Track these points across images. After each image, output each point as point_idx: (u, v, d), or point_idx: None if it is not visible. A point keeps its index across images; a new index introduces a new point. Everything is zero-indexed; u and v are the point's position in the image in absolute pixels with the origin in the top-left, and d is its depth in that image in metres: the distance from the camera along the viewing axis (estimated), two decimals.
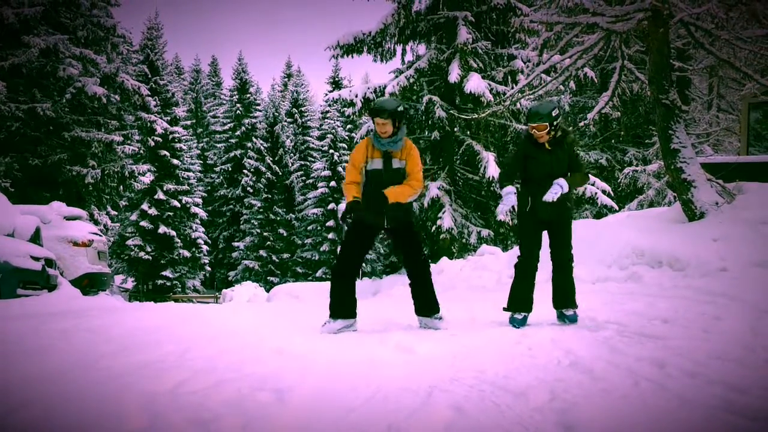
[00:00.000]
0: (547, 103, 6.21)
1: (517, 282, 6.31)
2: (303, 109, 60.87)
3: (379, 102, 6.19)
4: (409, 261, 6.29)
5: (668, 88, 10.66)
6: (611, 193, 20.96)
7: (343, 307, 6.09)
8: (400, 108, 6.07)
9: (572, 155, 6.31)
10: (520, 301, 6.25)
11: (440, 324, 6.16)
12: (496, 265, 12.99)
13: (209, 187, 57.14)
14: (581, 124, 15.47)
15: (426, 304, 6.25)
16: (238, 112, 60.16)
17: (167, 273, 42.25)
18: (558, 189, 6.04)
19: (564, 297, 6.24)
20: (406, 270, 6.35)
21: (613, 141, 26.94)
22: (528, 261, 6.30)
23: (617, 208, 20.06)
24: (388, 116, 6.01)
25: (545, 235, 6.38)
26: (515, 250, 12.84)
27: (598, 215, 20.46)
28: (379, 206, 5.98)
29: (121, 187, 26.28)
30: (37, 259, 10.23)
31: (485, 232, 19.32)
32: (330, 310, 6.11)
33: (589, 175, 6.39)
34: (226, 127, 60.61)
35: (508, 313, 6.29)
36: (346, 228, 6.29)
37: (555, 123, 6.11)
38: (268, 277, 47.05)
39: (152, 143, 40.56)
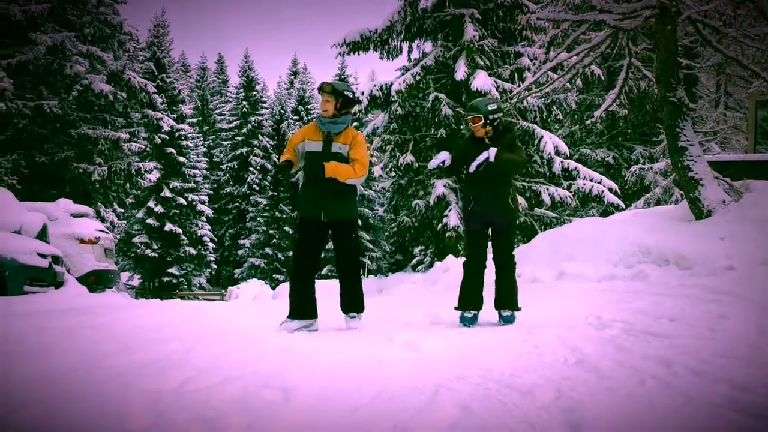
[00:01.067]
0: (487, 99, 6.37)
1: (466, 281, 6.37)
2: (309, 106, 60.79)
3: (328, 81, 6.16)
4: (344, 257, 6.19)
5: (675, 86, 10.63)
6: (618, 191, 20.91)
7: (300, 307, 6.03)
8: (348, 93, 6.06)
9: (513, 146, 6.37)
10: (469, 299, 6.32)
11: (353, 323, 6.14)
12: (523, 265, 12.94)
13: (215, 185, 57.19)
14: (588, 122, 15.46)
15: (351, 302, 6.19)
16: (244, 109, 60.19)
17: (173, 270, 42.33)
18: (485, 156, 6.10)
19: (503, 298, 6.30)
20: (339, 266, 6.24)
21: (620, 139, 26.90)
22: (475, 260, 6.36)
23: (624, 206, 20.02)
24: (332, 93, 6.01)
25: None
26: (522, 248, 12.81)
27: (605, 213, 20.42)
28: (316, 172, 5.89)
29: (128, 184, 26.35)
30: (44, 256, 10.26)
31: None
32: (289, 310, 6.05)
33: (525, 164, 6.40)
34: (233, 125, 60.67)
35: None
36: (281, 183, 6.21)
37: (490, 117, 6.24)
38: (274, 275, 47.08)
39: (159, 141, 40.64)
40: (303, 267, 6.07)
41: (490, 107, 6.22)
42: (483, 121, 6.22)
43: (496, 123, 6.31)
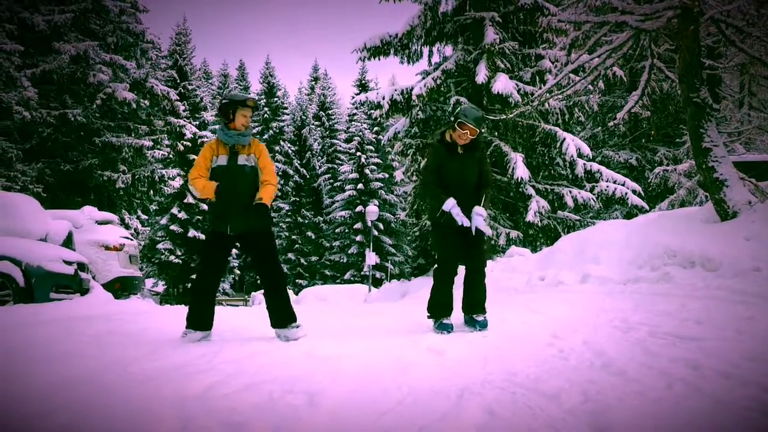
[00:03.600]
0: (475, 109, 6.23)
1: (438, 288, 6.30)
2: (330, 112, 61.09)
3: (238, 93, 6.10)
4: (266, 270, 6.07)
5: (699, 87, 10.55)
6: (642, 193, 20.77)
7: (201, 320, 5.92)
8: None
9: (483, 162, 6.30)
10: (443, 305, 6.26)
11: (299, 332, 5.97)
12: (525, 266, 12.90)
13: None
14: (610, 123, 15.37)
15: (283, 315, 6.03)
16: (265, 115, 60.51)
17: None
18: (481, 219, 6.08)
19: (475, 302, 6.23)
20: (263, 281, 6.11)
21: (643, 140, 26.74)
22: (446, 264, 6.30)
23: (648, 208, 19.88)
24: (254, 106, 6.04)
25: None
26: (545, 252, 12.76)
27: (629, 215, 20.29)
28: (258, 214, 5.82)
29: (151, 191, 26.55)
30: (69, 263, 10.35)
31: (514, 234, 19.21)
32: (189, 322, 5.91)
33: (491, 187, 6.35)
34: (254, 131, 60.95)
35: (432, 321, 6.32)
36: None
37: (480, 130, 6.23)
38: (297, 280, 47.26)
39: (181, 147, 40.81)
40: (208, 283, 6.02)
41: (479, 120, 6.17)
42: (477, 134, 6.17)
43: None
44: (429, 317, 6.34)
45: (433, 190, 6.18)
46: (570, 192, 19.54)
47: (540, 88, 16.67)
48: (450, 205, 6.03)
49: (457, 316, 6.35)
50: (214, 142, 6.05)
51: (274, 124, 59.12)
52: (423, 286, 15.13)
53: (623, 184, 20.07)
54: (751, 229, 9.42)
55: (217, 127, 6.06)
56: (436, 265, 6.42)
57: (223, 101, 6.02)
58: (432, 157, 6.29)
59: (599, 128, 25.81)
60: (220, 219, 5.89)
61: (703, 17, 10.39)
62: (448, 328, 6.13)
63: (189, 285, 42.18)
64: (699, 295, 7.26)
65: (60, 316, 7.51)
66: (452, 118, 6.26)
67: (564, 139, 19.01)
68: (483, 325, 6.12)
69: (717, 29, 11.25)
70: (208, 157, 5.95)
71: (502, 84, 17.66)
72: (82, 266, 10.85)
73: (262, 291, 6.17)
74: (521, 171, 18.02)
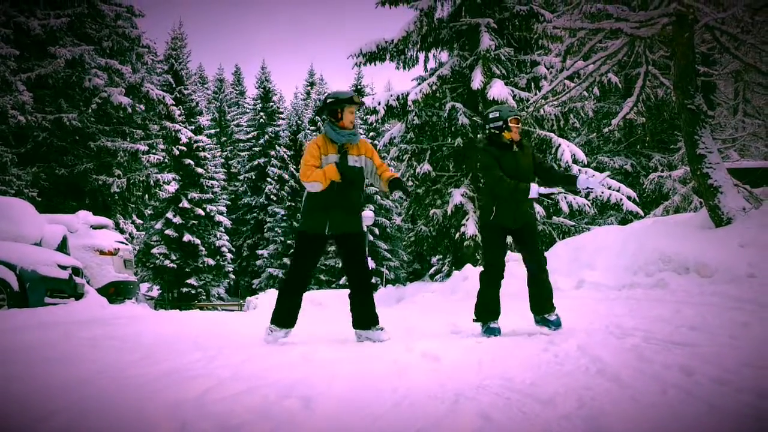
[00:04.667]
0: (507, 106, 6.33)
1: (485, 290, 6.33)
2: None
3: (341, 90, 6.18)
4: (356, 270, 6.11)
5: (693, 93, 10.59)
6: (636, 199, 20.81)
7: (288, 318, 6.04)
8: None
9: (535, 154, 6.40)
10: (491, 310, 6.28)
11: (383, 335, 6.01)
12: (520, 271, 12.89)
13: (233, 196, 57.45)
14: (605, 130, 15.40)
15: (368, 317, 6.09)
16: (261, 120, 60.49)
17: (192, 281, 42.49)
18: (594, 180, 6.17)
19: (545, 302, 6.23)
20: (351, 281, 6.14)
21: (637, 147, 26.81)
22: (494, 268, 6.33)
23: (643, 214, 19.92)
24: (360, 103, 6.08)
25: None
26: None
27: (624, 221, 20.34)
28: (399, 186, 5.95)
29: (146, 195, 26.51)
30: (64, 267, 10.34)
31: (509, 239, 19.23)
32: (275, 319, 6.03)
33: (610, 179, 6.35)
34: (250, 136, 61.00)
35: (479, 324, 6.31)
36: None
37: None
38: None
39: (177, 152, 40.86)
40: (300, 283, 6.08)
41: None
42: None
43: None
44: (475, 321, 6.33)
45: (509, 182, 6.08)
46: (565, 198, 19.59)
47: (535, 95, 16.72)
48: (534, 190, 6.05)
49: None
50: (321, 139, 6.05)
51: (269, 129, 59.11)
52: (418, 291, 15.16)
53: (618, 190, 20.11)
54: (745, 235, 9.46)
55: (321, 126, 6.08)
56: (482, 269, 6.41)
57: (329, 100, 6.06)
58: (486, 157, 6.24)
59: (594, 134, 25.83)
60: (318, 218, 5.92)
61: (698, 24, 10.44)
62: (495, 332, 6.15)
63: (183, 290, 42.17)
64: (694, 301, 7.28)
65: (55, 320, 7.51)
66: (490, 124, 6.29)
67: (559, 144, 19.05)
68: (557, 324, 6.11)
69: (712, 36, 11.29)
70: (316, 155, 5.94)
71: (498, 90, 17.69)
72: (76, 271, 10.84)
73: (348, 292, 6.20)
74: None
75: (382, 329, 6.06)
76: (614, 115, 22.12)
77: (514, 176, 6.12)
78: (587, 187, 6.14)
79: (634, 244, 10.65)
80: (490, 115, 6.29)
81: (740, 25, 10.76)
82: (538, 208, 18.96)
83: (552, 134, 19.42)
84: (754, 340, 4.73)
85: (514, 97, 18.12)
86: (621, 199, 19.86)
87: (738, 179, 11.10)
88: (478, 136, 18.34)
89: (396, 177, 6.01)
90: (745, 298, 6.90)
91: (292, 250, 6.21)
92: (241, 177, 58.77)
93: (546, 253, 11.67)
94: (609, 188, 19.95)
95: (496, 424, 2.99)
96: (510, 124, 6.17)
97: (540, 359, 4.57)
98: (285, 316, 6.03)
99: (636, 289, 9.30)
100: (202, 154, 45.06)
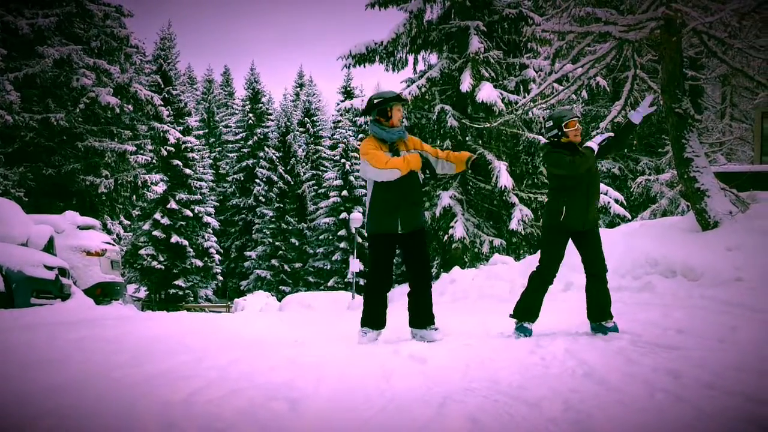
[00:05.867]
0: (565, 108, 6.28)
1: (532, 291, 6.23)
2: (315, 118, 61.10)
3: (384, 90, 6.22)
4: (419, 268, 6.16)
5: (681, 97, 10.62)
6: (624, 202, 20.91)
7: (378, 320, 6.15)
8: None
9: (600, 147, 6.22)
10: (531, 311, 6.21)
11: (437, 335, 6.03)
12: (508, 274, 12.94)
13: (221, 197, 57.37)
14: (594, 133, 15.43)
15: (425, 316, 6.14)
16: (250, 121, 60.42)
17: (180, 282, 42.41)
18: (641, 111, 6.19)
19: (601, 309, 6.11)
20: (413, 277, 6.18)
21: (625, 150, 26.90)
22: (548, 272, 6.21)
23: (630, 218, 20.00)
24: (406, 100, 6.14)
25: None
26: (528, 260, 12.79)
27: (611, 224, 20.39)
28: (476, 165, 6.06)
29: (134, 196, 26.44)
30: (50, 268, 10.28)
31: (497, 242, 19.29)
32: (366, 322, 6.13)
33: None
34: (239, 137, 60.92)
35: (514, 321, 6.27)
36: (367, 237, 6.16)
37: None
38: (280, 287, 47.17)
39: (165, 153, 40.62)
40: (383, 282, 6.15)
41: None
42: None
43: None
44: (511, 317, 6.28)
45: (578, 158, 5.95)
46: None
47: (524, 97, 16.74)
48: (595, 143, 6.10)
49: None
50: (371, 141, 6.03)
51: (258, 130, 59.04)
52: (406, 293, 15.14)
53: (606, 194, 20.19)
54: (732, 239, 9.50)
55: (369, 127, 6.09)
56: (534, 269, 6.33)
57: (376, 100, 6.06)
58: (553, 156, 6.11)
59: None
60: (388, 219, 5.97)
61: (686, 28, 10.48)
62: (526, 332, 6.12)
63: (171, 291, 42.06)
64: (681, 305, 7.31)
65: (41, 321, 7.45)
66: (546, 134, 6.25)
67: None
68: (615, 331, 5.98)
69: (699, 40, 11.33)
70: (378, 146, 5.95)
71: (487, 93, 17.74)
72: (63, 271, 10.78)
73: (408, 291, 6.25)
74: (505, 179, 18.08)
75: (436, 329, 6.10)
76: (602, 118, 22.16)
77: (585, 178, 6.03)
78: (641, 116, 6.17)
79: (622, 248, 10.67)
80: (546, 125, 6.24)
81: (728, 30, 10.80)
82: (526, 211, 18.99)
83: (541, 137, 19.46)
84: (742, 344, 4.74)
85: (503, 99, 18.17)
86: (609, 203, 19.93)
87: (725, 183, 11.14)
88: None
89: (464, 155, 6.14)
90: (732, 302, 6.92)
91: (369, 254, 6.25)
92: (230, 178, 58.70)
93: (532, 257, 11.65)
94: None
95: (483, 427, 2.99)
96: (566, 129, 6.08)
97: (527, 362, 4.57)
98: (375, 318, 6.14)
99: (623, 292, 9.32)
100: (190, 155, 44.99)
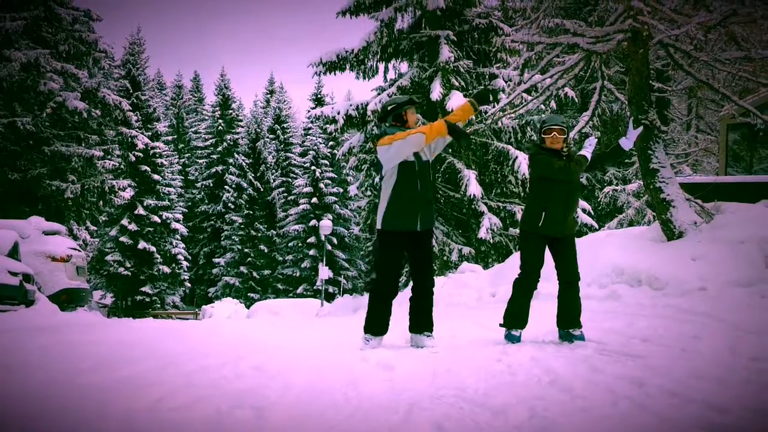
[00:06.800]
0: (558, 114, 6.28)
1: (517, 298, 6.25)
2: (285, 125, 60.93)
3: (396, 96, 6.20)
4: (425, 271, 6.11)
5: (647, 109, 10.75)
6: (591, 211, 21.09)
7: (382, 326, 6.08)
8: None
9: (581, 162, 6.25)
10: (518, 318, 6.21)
11: (428, 342, 6.01)
12: (477, 282, 12.99)
13: (190, 203, 56.95)
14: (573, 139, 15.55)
15: (423, 321, 6.09)
16: (220, 127, 60.12)
17: (146, 289, 42.02)
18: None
19: (571, 316, 6.14)
20: (417, 281, 6.13)
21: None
22: (531, 277, 6.24)
23: (597, 227, 20.17)
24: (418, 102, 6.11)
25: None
26: (497, 268, 12.85)
27: (578, 234, 20.48)
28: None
29: (101, 202, 26.15)
30: (14, 274, 10.16)
31: (466, 250, 19.35)
32: (369, 328, 6.06)
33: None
34: (208, 143, 60.54)
35: (503, 330, 6.27)
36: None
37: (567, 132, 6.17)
38: (249, 294, 46.93)
39: (133, 158, 40.42)
40: (390, 288, 6.06)
41: (562, 119, 6.16)
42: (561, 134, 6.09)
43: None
44: (501, 326, 6.26)
45: (560, 163, 5.98)
46: (521, 209, 19.75)
47: (493, 107, 16.83)
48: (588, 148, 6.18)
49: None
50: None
51: (228, 137, 58.76)
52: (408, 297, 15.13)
53: None
54: (697, 249, 9.62)
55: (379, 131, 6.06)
56: (517, 276, 6.34)
57: (390, 106, 6.07)
58: (536, 159, 6.14)
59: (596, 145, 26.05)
60: (408, 215, 5.89)
61: (652, 41, 10.62)
62: (514, 340, 6.10)
63: (137, 298, 41.67)
64: (646, 314, 7.38)
65: (4, 327, 7.36)
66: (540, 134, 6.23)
67: (516, 157, 19.22)
68: (581, 339, 5.99)
69: (666, 53, 11.48)
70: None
71: (457, 102, 17.80)
72: (27, 277, 10.65)
73: (410, 296, 6.19)
74: (474, 188, 18.17)
75: (429, 336, 6.06)
76: (570, 128, 22.37)
77: (566, 186, 6.05)
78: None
79: (588, 256, 10.75)
80: (538, 125, 6.33)
81: (693, 43, 10.95)
82: (494, 219, 19.10)
83: (510, 147, 19.60)
84: (705, 353, 4.80)
85: None
86: (576, 212, 20.07)
87: (690, 194, 11.28)
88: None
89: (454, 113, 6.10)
90: (696, 311, 7.00)
91: (375, 253, 6.16)
92: (199, 184, 58.31)
93: (501, 266, 11.69)
94: None
95: None
96: (543, 135, 6.11)
97: (494, 369, 4.59)
98: (378, 324, 6.06)
99: (589, 300, 9.36)
100: (159, 160, 44.66)
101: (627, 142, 6.26)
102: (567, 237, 6.21)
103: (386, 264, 6.04)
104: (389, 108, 6.09)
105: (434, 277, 6.26)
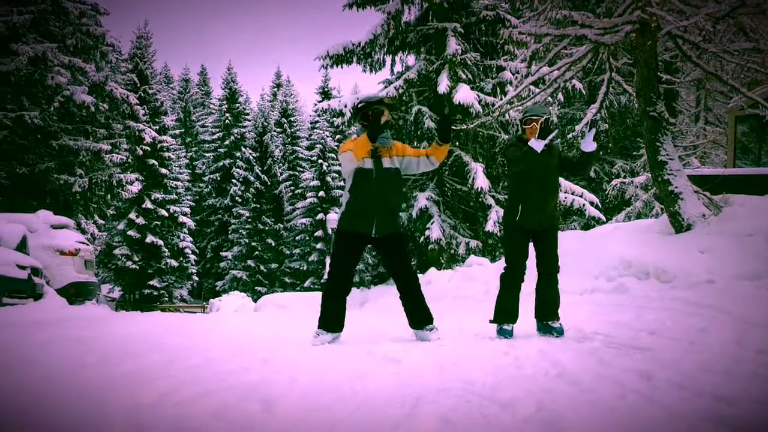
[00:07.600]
0: (541, 105, 6.29)
1: (505, 293, 6.26)
2: (292, 119, 60.90)
3: (371, 94, 6.18)
4: (399, 273, 6.14)
5: (656, 101, 10.71)
6: (599, 204, 21.00)
7: (334, 321, 6.02)
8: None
9: (562, 158, 6.34)
10: (508, 312, 6.21)
11: (432, 335, 6.02)
12: (484, 275, 12.99)
13: (197, 197, 56.98)
14: (569, 135, 15.53)
15: (420, 317, 6.11)
16: (227, 121, 60.08)
17: (154, 282, 42.06)
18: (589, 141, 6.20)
19: (550, 309, 6.18)
20: (397, 283, 6.16)
21: (600, 153, 27.06)
22: (516, 270, 6.26)
23: (605, 220, 20.10)
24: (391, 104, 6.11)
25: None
26: (503, 261, 12.83)
27: (586, 227, 20.50)
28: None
29: (109, 196, 26.16)
30: (23, 267, 10.18)
31: (473, 243, 19.33)
32: (321, 323, 6.01)
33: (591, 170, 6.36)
34: (215, 137, 60.55)
35: (494, 326, 6.27)
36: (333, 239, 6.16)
37: (548, 122, 6.18)
38: (256, 287, 46.93)
39: (140, 152, 40.41)
40: (343, 283, 6.06)
41: (544, 114, 6.19)
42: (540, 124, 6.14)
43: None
44: (491, 322, 6.27)
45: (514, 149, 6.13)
46: None
47: (501, 99, 16.80)
48: (535, 144, 6.00)
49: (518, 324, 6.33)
50: (363, 139, 5.92)
51: (235, 131, 58.73)
52: (383, 294, 15.12)
53: (581, 196, 20.27)
54: (704, 242, 9.59)
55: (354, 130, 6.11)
56: (502, 270, 6.37)
57: (360, 104, 6.09)
58: (510, 149, 6.26)
59: (558, 140, 26.05)
60: (363, 220, 5.92)
61: (661, 32, 10.57)
62: (506, 334, 6.10)
63: (145, 291, 41.77)
64: (654, 307, 7.36)
65: (12, 321, 7.38)
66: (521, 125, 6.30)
67: None
68: (560, 332, 6.03)
69: (674, 44, 11.43)
70: (358, 144, 5.87)
71: (464, 94, 17.76)
72: (36, 271, 10.67)
73: (399, 296, 6.20)
74: (481, 181, 18.13)
75: (432, 329, 6.07)
76: (578, 121, 22.35)
77: (537, 172, 6.09)
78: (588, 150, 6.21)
79: (596, 249, 10.74)
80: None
81: (702, 34, 10.89)
82: (501, 212, 19.04)
83: None
84: (712, 346, 4.79)
85: (480, 101, 18.20)
86: (584, 205, 20.02)
87: (698, 186, 11.24)
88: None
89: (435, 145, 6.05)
90: (703, 304, 6.98)
91: (332, 251, 6.19)
92: (206, 178, 58.33)
93: None
94: (572, 193, 20.10)
95: (456, 427, 2.99)
96: (524, 126, 6.20)
97: (501, 363, 4.58)
98: (331, 320, 6.02)
99: (597, 293, 9.38)
100: (166, 154, 44.64)
101: (586, 144, 6.23)
102: (547, 229, 6.24)
103: (338, 261, 6.07)
104: (359, 106, 6.10)
105: (413, 272, 6.26)
